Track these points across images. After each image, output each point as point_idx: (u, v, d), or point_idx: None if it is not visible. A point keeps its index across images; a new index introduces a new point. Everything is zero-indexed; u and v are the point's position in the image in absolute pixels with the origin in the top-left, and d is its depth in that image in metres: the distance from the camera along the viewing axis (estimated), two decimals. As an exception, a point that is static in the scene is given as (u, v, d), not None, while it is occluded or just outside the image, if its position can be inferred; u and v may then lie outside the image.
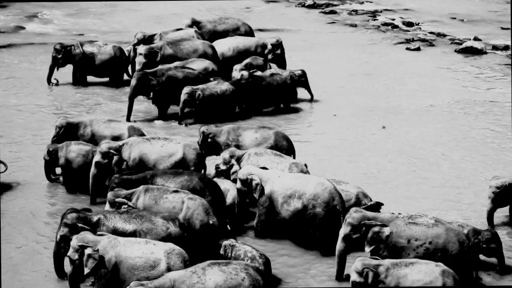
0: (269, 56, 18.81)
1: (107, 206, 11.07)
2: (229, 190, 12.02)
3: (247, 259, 10.25)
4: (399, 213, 10.40)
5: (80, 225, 10.18)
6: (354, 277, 9.58)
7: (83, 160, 13.01)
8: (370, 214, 10.37)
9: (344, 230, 10.34)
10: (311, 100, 17.89)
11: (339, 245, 10.37)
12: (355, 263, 9.62)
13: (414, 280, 9.40)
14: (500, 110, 17.49)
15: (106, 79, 18.88)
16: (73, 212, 10.33)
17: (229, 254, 10.43)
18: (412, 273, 9.43)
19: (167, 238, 10.14)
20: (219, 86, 16.59)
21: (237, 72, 17.74)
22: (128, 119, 16.13)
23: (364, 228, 10.23)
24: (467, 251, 10.13)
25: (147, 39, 18.82)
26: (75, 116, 14.52)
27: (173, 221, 10.33)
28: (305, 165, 12.34)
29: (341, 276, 10.42)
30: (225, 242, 10.55)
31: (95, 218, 10.31)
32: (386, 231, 10.15)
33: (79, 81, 18.82)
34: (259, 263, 10.20)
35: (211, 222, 10.82)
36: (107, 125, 13.95)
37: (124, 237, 9.98)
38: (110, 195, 11.15)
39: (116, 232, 10.15)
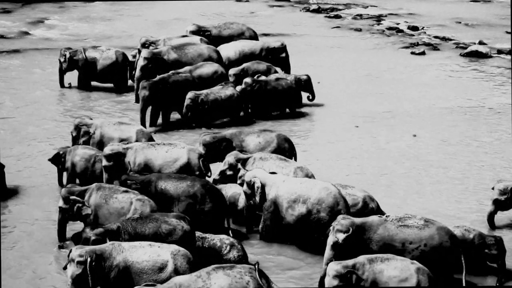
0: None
1: (60, 203, 11.18)
2: (241, 194, 11.99)
3: (226, 245, 10.21)
4: (386, 216, 10.30)
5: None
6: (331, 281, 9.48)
7: (85, 164, 13.04)
8: (358, 220, 10.26)
9: (332, 238, 10.20)
10: (312, 99, 17.78)
11: (328, 253, 10.22)
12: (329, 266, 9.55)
13: (390, 276, 9.37)
14: (505, 113, 17.46)
15: (111, 84, 18.88)
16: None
17: (201, 246, 10.35)
18: (388, 269, 9.41)
19: (184, 235, 10.18)
20: (223, 91, 16.47)
21: (232, 77, 17.61)
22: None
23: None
24: (458, 248, 10.07)
25: (151, 44, 18.78)
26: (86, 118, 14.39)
27: (184, 219, 10.35)
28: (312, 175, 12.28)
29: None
30: None
31: (114, 227, 10.31)
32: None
33: (84, 86, 18.86)
34: (238, 249, 10.14)
35: None
36: (116, 127, 13.93)
37: (146, 240, 10.00)
38: (63, 191, 11.24)
39: (138, 236, 10.17)
